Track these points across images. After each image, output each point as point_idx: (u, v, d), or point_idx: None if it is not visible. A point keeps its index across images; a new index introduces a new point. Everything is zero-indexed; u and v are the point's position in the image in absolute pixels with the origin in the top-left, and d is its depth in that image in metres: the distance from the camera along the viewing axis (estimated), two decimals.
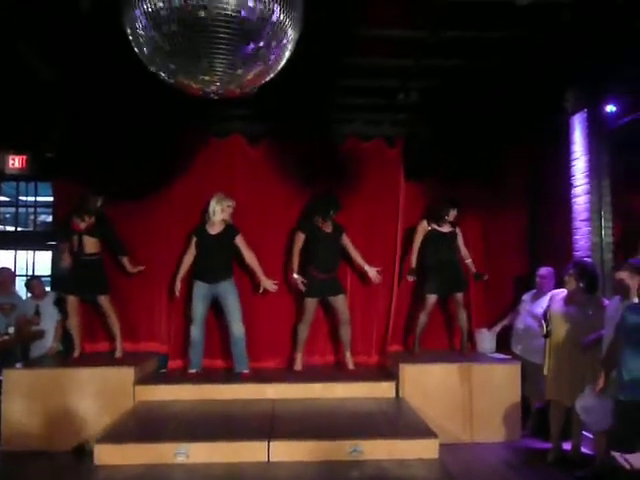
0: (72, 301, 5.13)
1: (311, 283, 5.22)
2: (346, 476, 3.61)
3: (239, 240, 5.20)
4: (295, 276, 5.26)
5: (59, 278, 6.22)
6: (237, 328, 5.11)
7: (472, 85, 4.87)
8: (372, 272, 5.36)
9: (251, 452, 3.82)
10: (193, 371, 5.15)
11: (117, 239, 5.26)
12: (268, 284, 5.23)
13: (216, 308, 5.31)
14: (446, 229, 5.39)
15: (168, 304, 5.49)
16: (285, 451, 3.82)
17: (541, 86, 4.73)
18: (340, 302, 5.27)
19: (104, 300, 5.16)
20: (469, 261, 5.46)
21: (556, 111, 5.02)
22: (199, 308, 5.14)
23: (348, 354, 5.35)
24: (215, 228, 5.19)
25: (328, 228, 5.30)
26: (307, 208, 5.52)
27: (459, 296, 5.35)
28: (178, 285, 5.25)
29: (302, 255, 5.33)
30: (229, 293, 5.12)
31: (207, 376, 5.11)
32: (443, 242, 5.36)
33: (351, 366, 5.31)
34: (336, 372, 5.33)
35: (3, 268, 5.77)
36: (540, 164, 5.77)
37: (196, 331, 5.14)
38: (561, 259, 4.95)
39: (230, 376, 5.11)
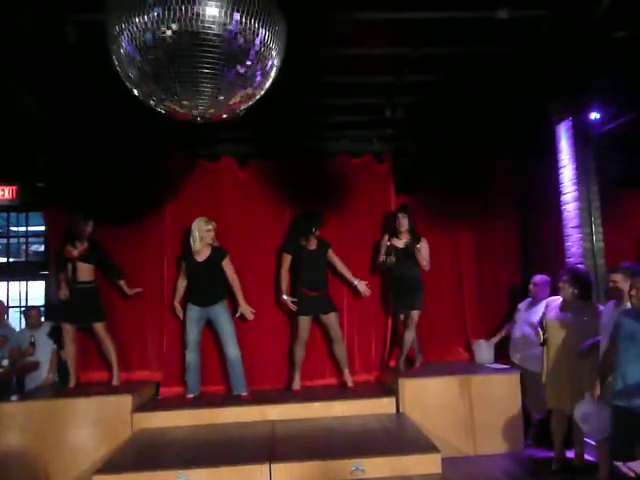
0: (68, 330, 5.08)
1: (302, 302, 5.19)
2: None
3: (225, 262, 5.14)
4: (285, 297, 5.24)
5: (54, 307, 6.17)
6: (233, 351, 5.07)
7: (456, 99, 4.93)
8: (361, 285, 5.34)
9: (253, 476, 3.76)
10: (191, 396, 5.10)
11: (111, 263, 5.24)
12: (246, 310, 5.16)
13: (211, 332, 5.27)
14: (401, 244, 5.31)
15: (160, 331, 5.43)
16: (287, 473, 3.77)
17: (525, 97, 4.79)
18: (332, 320, 5.23)
19: (100, 328, 5.11)
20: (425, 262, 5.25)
21: (541, 121, 5.08)
22: (193, 332, 5.09)
23: (346, 371, 5.31)
24: (201, 255, 5.11)
25: (313, 245, 5.27)
26: (291, 228, 5.53)
27: (414, 313, 5.23)
28: (178, 307, 5.23)
29: (291, 275, 5.32)
30: (222, 316, 5.08)
31: (205, 400, 5.06)
32: (398, 257, 5.28)
33: (350, 384, 5.27)
34: (335, 390, 5.29)
35: None
36: (528, 174, 5.83)
37: (191, 355, 5.10)
38: (554, 266, 4.98)
39: (228, 399, 5.05)
